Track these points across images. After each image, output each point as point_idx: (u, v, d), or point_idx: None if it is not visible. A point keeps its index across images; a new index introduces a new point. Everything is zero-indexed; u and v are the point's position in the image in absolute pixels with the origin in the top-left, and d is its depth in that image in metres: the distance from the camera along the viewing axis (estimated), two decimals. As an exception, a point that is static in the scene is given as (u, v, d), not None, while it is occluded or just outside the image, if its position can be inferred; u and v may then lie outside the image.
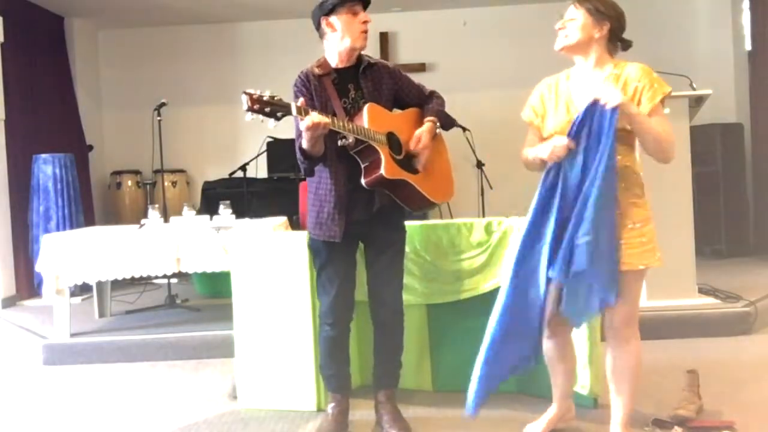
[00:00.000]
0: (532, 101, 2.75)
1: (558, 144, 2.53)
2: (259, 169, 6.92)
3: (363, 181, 2.81)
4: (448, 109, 3.09)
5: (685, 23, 7.54)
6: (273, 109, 2.56)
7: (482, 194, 7.02)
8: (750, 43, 6.85)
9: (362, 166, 2.82)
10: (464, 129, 6.85)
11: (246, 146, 7.38)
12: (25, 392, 3.98)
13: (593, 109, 2.47)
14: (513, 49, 7.53)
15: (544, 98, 2.72)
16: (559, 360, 2.83)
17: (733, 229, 6.45)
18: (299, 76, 2.90)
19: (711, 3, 7.36)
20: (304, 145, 2.72)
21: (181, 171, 7.65)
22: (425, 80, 3.22)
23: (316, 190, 2.93)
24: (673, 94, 4.61)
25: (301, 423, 3.25)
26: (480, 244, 3.33)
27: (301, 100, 2.69)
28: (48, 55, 6.75)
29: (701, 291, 4.56)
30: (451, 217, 6.31)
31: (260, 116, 2.55)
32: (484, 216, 6.65)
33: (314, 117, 2.61)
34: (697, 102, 4.49)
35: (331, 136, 2.79)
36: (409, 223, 3.41)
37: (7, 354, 4.81)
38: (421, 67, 7.61)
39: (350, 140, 2.78)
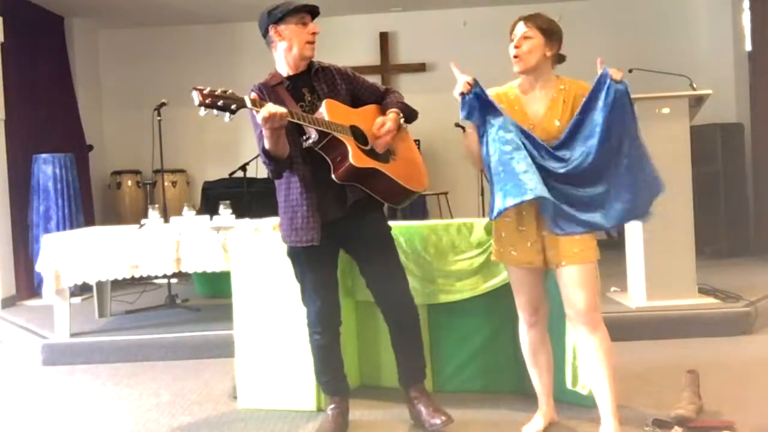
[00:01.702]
0: None
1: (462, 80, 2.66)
2: (259, 169, 6.89)
3: (333, 176, 2.77)
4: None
5: (685, 23, 7.54)
6: (226, 102, 2.55)
7: (482, 194, 7.02)
8: (750, 43, 6.85)
9: (330, 160, 2.78)
10: (464, 129, 6.85)
11: (246, 146, 7.36)
12: (24, 392, 3.98)
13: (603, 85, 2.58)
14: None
15: None
16: (542, 351, 2.90)
17: (733, 229, 6.45)
18: (252, 89, 2.87)
19: (711, 3, 7.36)
20: (266, 144, 2.70)
21: (181, 171, 7.65)
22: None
23: (286, 197, 2.90)
24: (673, 94, 4.65)
25: (301, 423, 3.25)
26: (480, 244, 3.33)
27: (254, 93, 2.67)
28: (48, 55, 6.74)
29: (701, 291, 4.55)
30: (451, 217, 6.32)
31: (214, 111, 2.54)
32: (484, 216, 6.65)
33: (270, 107, 2.59)
34: (697, 102, 4.49)
35: (295, 138, 2.79)
36: (409, 224, 3.41)
37: (6, 354, 4.82)
38: (421, 67, 7.61)
39: (313, 135, 2.76)
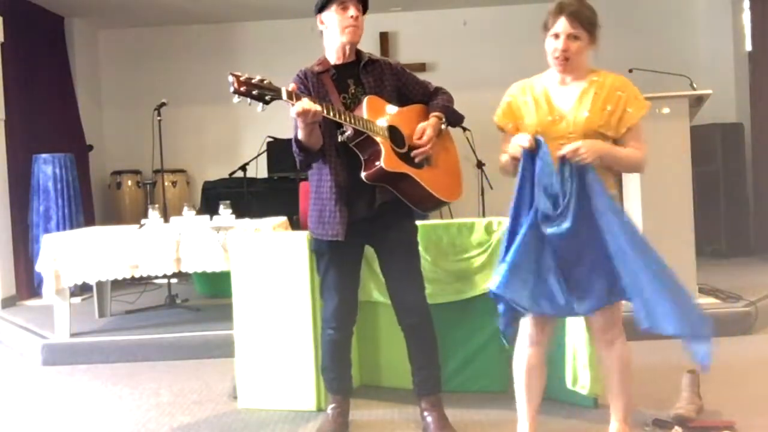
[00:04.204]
0: (504, 104, 2.65)
1: (518, 141, 2.48)
2: (259, 169, 6.91)
3: (362, 175, 2.73)
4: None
5: (685, 23, 7.54)
6: (261, 92, 2.50)
7: (482, 194, 7.01)
8: (750, 43, 6.86)
9: (362, 159, 2.75)
10: (464, 129, 6.84)
11: (246, 146, 7.38)
12: (24, 392, 3.98)
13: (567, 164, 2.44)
14: (513, 49, 7.52)
15: (519, 102, 2.61)
16: (538, 374, 2.64)
17: (733, 229, 6.45)
18: (297, 74, 2.86)
19: (711, 3, 7.37)
20: (299, 135, 2.67)
21: (181, 171, 7.65)
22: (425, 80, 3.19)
23: (317, 189, 2.88)
24: (673, 94, 4.66)
25: (301, 423, 3.25)
26: (480, 244, 3.32)
27: (293, 85, 2.64)
28: (48, 55, 6.74)
29: (701, 291, 4.55)
30: (451, 217, 6.30)
31: (247, 99, 2.49)
32: (484, 216, 6.65)
33: (304, 103, 2.54)
34: (697, 102, 4.49)
35: (331, 131, 2.77)
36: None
37: (6, 354, 4.82)
38: (421, 67, 7.60)
39: (348, 132, 2.72)
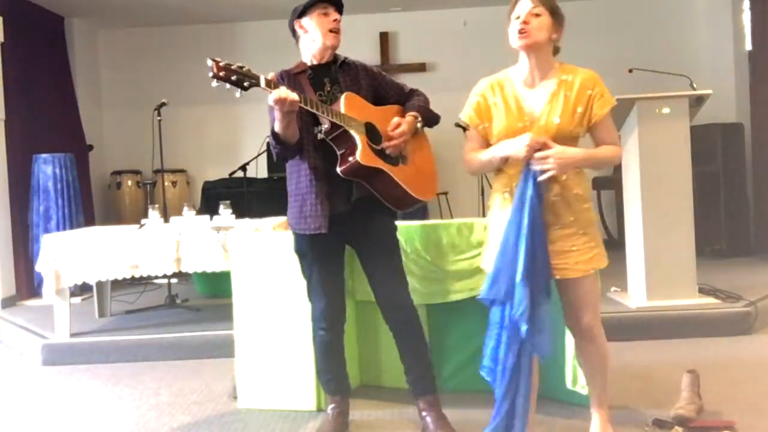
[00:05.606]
0: (474, 103, 2.61)
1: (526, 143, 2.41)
2: (259, 169, 6.92)
3: (338, 169, 2.75)
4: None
5: (685, 23, 7.55)
6: (240, 78, 2.53)
7: (482, 194, 7.02)
8: (750, 43, 6.86)
9: (338, 153, 2.77)
10: (464, 129, 6.85)
11: (246, 146, 7.38)
12: (24, 392, 3.98)
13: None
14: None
15: (489, 101, 2.57)
16: (532, 391, 2.64)
17: (733, 229, 6.45)
18: (273, 75, 2.87)
19: (711, 3, 7.37)
20: (276, 127, 2.69)
21: (181, 171, 7.65)
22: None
23: (296, 185, 2.90)
24: (673, 94, 4.65)
25: (301, 423, 3.25)
26: (480, 244, 3.30)
27: (272, 74, 2.67)
28: (48, 55, 6.74)
29: (701, 291, 4.56)
30: (451, 217, 6.32)
31: (226, 84, 2.53)
32: (484, 216, 6.64)
33: (281, 91, 2.57)
34: (697, 102, 4.49)
35: (308, 126, 2.79)
36: (409, 223, 3.40)
37: (6, 354, 4.82)
38: (421, 67, 7.61)
39: (326, 126, 2.75)
